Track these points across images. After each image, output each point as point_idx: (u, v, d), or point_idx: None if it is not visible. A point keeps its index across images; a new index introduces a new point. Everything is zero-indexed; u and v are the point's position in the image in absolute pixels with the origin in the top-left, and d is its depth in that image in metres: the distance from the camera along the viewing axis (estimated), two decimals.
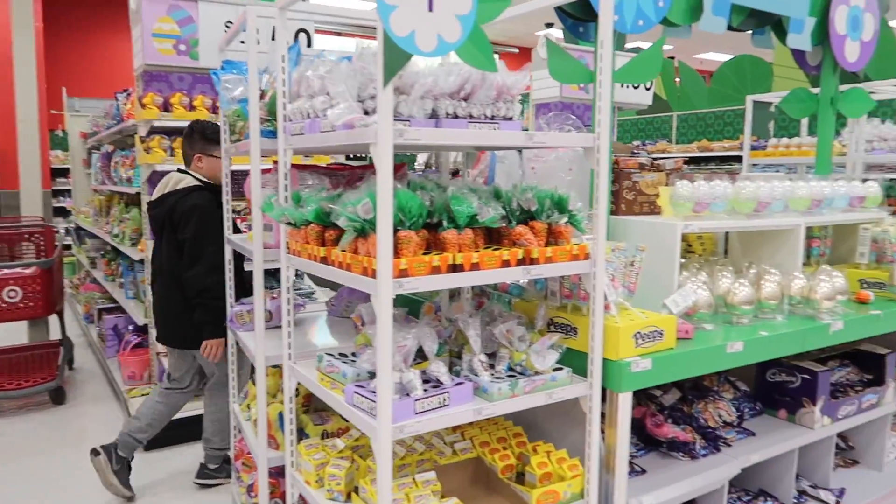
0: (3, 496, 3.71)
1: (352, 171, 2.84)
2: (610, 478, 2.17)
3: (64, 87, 10.04)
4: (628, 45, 5.20)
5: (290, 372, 2.27)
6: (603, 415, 2.18)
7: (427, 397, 1.82)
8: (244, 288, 3.14)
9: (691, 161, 8.29)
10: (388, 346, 1.66)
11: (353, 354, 2.13)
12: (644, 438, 2.69)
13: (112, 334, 5.47)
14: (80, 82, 12.61)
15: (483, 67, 1.77)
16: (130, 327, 5.06)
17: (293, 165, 2.54)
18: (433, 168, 4.24)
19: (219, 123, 3.04)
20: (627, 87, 5.44)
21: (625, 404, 2.11)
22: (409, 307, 2.47)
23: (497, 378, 2.00)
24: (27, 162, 8.47)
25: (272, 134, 2.30)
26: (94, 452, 3.52)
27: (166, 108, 4.11)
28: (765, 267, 2.73)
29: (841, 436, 3.31)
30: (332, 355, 2.09)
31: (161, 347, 4.35)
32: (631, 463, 2.51)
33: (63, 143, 11.20)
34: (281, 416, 2.45)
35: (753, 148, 5.49)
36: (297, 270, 2.18)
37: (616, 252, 2.25)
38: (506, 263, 1.88)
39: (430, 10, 1.59)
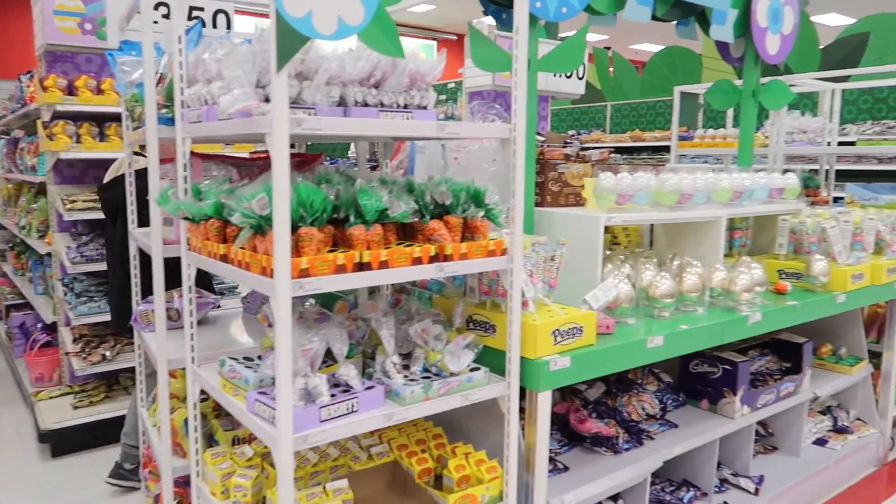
0: None
1: (267, 160, 2.68)
2: (530, 478, 2.12)
3: None
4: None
5: (194, 376, 2.13)
6: (525, 411, 2.12)
7: (334, 404, 1.71)
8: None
9: (624, 151, 8.38)
10: (287, 351, 1.55)
11: (260, 358, 2.00)
12: (568, 434, 2.66)
13: (19, 333, 5.13)
14: None
15: (389, 53, 1.67)
16: (39, 325, 4.75)
17: (198, 155, 2.39)
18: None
19: None
20: (560, 76, 5.41)
21: (544, 403, 2.05)
22: (326, 302, 2.36)
23: (411, 380, 1.91)
24: None
25: (171, 121, 2.14)
26: (110, 484, 3.44)
27: (71, 91, 3.83)
28: (687, 259, 2.73)
29: (761, 423, 3.37)
30: (235, 359, 1.95)
31: (71, 346, 4.09)
32: (554, 460, 2.48)
33: None
34: (187, 422, 2.30)
35: (682, 138, 5.56)
36: None
37: (536, 247, 2.18)
38: (417, 261, 1.78)
39: None
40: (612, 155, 8.46)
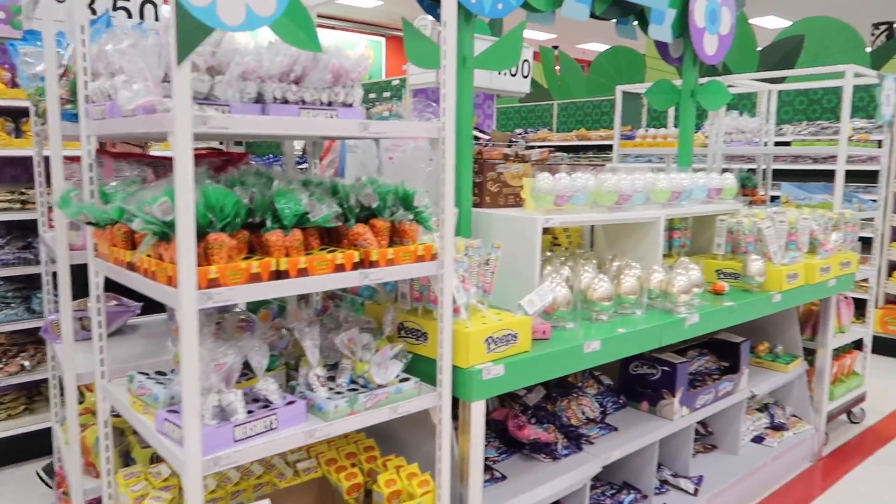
0: None
1: (199, 158, 2.54)
2: (464, 490, 2.04)
3: None
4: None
5: (103, 392, 1.98)
6: (458, 420, 2.05)
7: (250, 422, 1.60)
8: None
9: (571, 149, 8.42)
10: (194, 367, 1.43)
11: (173, 371, 1.87)
12: (507, 441, 2.60)
13: None
14: None
15: (304, 46, 1.56)
16: None
17: (108, 153, 2.23)
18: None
19: None
20: (505, 74, 5.36)
21: (478, 413, 1.98)
22: (258, 307, 2.24)
23: (337, 393, 1.82)
24: None
25: (76, 117, 1.98)
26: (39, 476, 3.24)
27: None
28: (627, 260, 2.70)
29: (701, 422, 3.38)
30: (145, 374, 1.82)
31: None
32: (491, 469, 2.41)
33: None
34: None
35: (625, 138, 5.58)
36: None
37: (470, 250, 2.11)
38: (340, 268, 1.68)
39: None
40: (559, 154, 8.50)
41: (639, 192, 2.80)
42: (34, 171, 2.66)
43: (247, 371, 1.81)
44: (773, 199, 4.87)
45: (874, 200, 4.69)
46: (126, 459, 2.22)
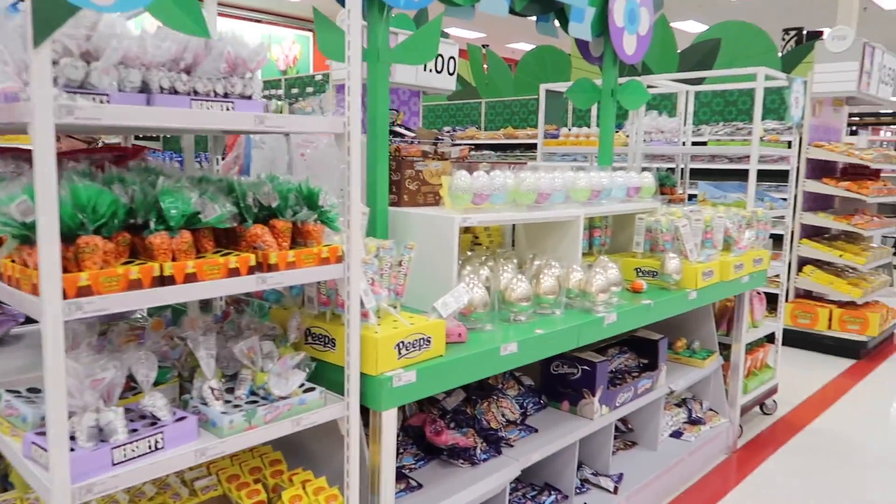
0: None
1: (90, 153, 2.34)
2: (376, 502, 1.95)
3: None
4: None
5: None
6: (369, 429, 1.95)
7: (131, 442, 1.46)
8: None
9: (498, 148, 8.43)
10: (59, 386, 1.28)
11: None
12: (425, 447, 2.52)
13: None
14: None
15: (189, 31, 1.43)
16: None
17: None
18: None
19: None
20: (431, 70, 5.29)
21: (389, 423, 1.89)
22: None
23: (235, 406, 1.69)
24: None
25: None
26: None
27: None
28: (547, 259, 2.67)
29: (621, 419, 3.40)
30: (15, 392, 1.64)
31: None
32: (407, 477, 2.33)
33: None
34: None
35: (550, 136, 5.61)
36: None
37: (381, 251, 2.02)
38: (234, 272, 1.56)
39: None
40: (487, 152, 8.48)
41: (558, 191, 2.78)
42: None
43: (136, 385, 1.67)
44: (692, 197, 4.98)
45: (784, 199, 4.87)
46: (4, 484, 2.02)
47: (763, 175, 5.28)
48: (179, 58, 1.62)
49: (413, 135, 5.17)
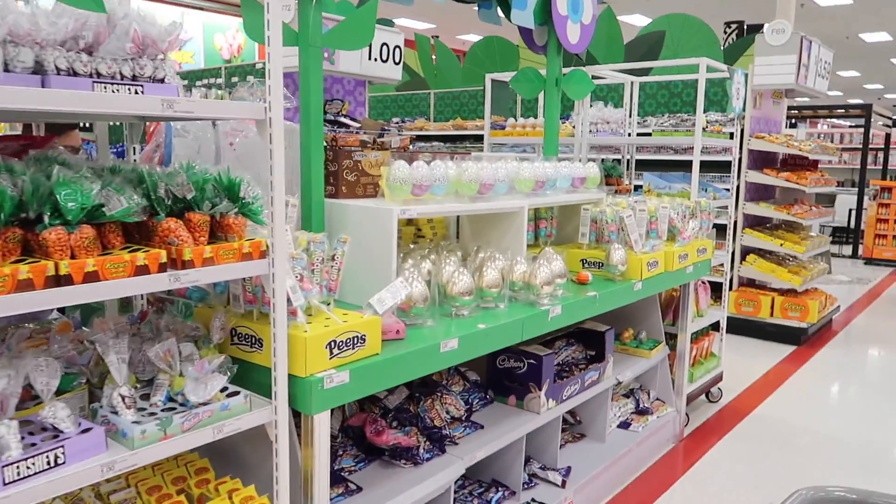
0: None
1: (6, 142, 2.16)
2: None
3: None
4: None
5: None
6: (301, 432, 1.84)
7: (26, 458, 1.32)
8: None
9: (447, 139, 8.34)
10: None
11: None
12: (366, 448, 2.42)
13: None
14: None
15: (84, 6, 1.30)
16: None
17: None
18: None
19: None
20: (376, 59, 5.16)
21: (321, 426, 1.79)
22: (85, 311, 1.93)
23: (151, 414, 1.56)
24: None
25: None
26: None
27: None
28: (492, 252, 2.59)
29: (569, 411, 3.37)
30: None
31: None
32: (346, 480, 2.23)
33: None
34: None
35: (497, 127, 5.55)
36: None
37: (312, 245, 1.91)
38: (143, 269, 1.43)
39: None
40: (436, 143, 8.39)
41: (501, 182, 2.71)
42: None
43: (37, 397, 1.52)
44: (637, 188, 4.99)
45: (727, 189, 4.92)
46: None
47: (706, 166, 5.33)
48: (78, 36, 1.48)
49: (358, 125, 5.04)
